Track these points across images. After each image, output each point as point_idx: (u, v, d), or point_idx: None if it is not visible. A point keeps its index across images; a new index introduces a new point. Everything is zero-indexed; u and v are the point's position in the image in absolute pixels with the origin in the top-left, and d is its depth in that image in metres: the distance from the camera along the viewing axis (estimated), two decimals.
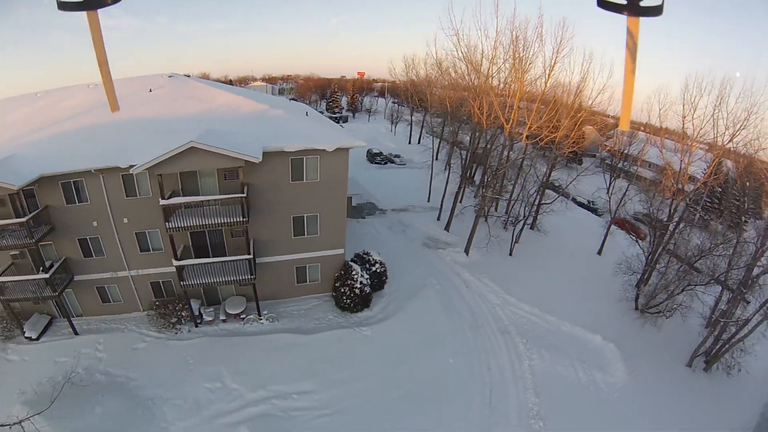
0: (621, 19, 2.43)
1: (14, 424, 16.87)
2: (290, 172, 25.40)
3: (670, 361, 28.29)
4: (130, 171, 22.12)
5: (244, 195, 23.26)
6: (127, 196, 24.83)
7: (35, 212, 23.77)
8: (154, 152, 22.10)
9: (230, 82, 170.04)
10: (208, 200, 23.29)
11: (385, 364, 24.45)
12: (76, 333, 26.72)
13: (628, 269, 33.53)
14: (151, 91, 31.09)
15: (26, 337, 26.23)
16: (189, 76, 40.90)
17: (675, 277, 31.27)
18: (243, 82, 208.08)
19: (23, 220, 22.79)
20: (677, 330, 30.52)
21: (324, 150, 24.99)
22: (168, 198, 23.08)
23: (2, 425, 17.16)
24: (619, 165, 52.25)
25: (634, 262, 33.87)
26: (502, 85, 36.72)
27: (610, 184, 47.91)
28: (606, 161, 61.59)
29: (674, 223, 34.73)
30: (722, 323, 27.66)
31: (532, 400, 23.29)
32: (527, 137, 35.77)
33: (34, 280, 24.66)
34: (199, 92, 30.68)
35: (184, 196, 24.24)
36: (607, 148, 64.21)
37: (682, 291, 30.53)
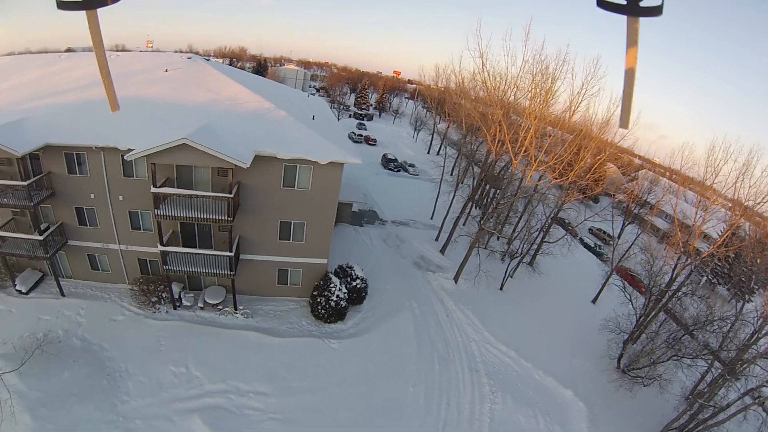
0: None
1: None
2: (282, 178, 25.67)
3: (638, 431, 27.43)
4: (126, 157, 22.62)
5: (231, 196, 23.52)
6: (124, 176, 25.51)
7: (37, 177, 24.78)
8: (151, 139, 22.61)
9: (265, 60, 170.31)
10: (199, 195, 23.66)
11: (345, 381, 24.50)
12: (62, 294, 27.76)
13: (616, 327, 32.28)
14: (167, 71, 31.64)
15: (17, 290, 27.46)
16: (209, 59, 41.27)
17: (663, 344, 30.24)
18: (278, 62, 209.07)
19: (24, 183, 23.75)
20: (652, 400, 29.46)
21: (317, 161, 25.20)
22: (160, 186, 23.56)
23: None
24: (635, 211, 51.09)
25: (624, 322, 32.69)
26: (520, 119, 36.22)
27: (622, 229, 47.00)
28: (623, 204, 59.21)
29: (672, 291, 33.33)
30: (699, 404, 26.26)
31: None
32: (540, 172, 35.17)
33: (29, 239, 25.61)
34: (211, 80, 30.96)
35: (178, 185, 24.83)
36: (626, 192, 60.49)
37: (668, 360, 29.42)
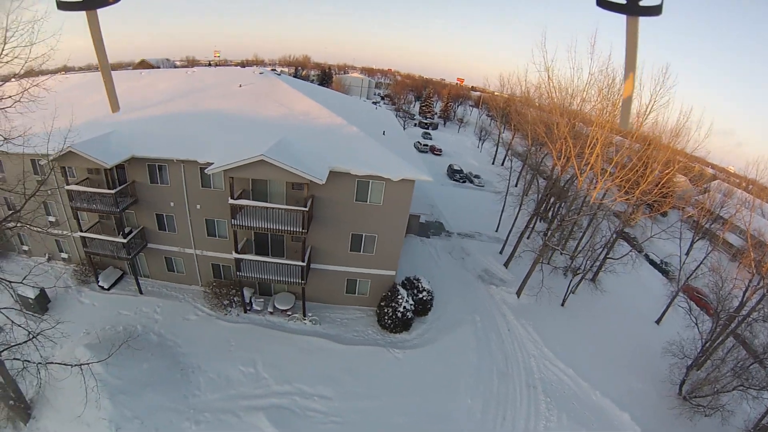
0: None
1: (76, 365, 19.28)
2: (355, 192, 26.58)
3: None
4: (206, 171, 24.26)
5: (306, 209, 24.70)
6: (202, 186, 27.38)
7: (123, 185, 27.22)
8: (229, 154, 24.30)
9: (329, 68, 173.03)
10: (274, 207, 24.99)
11: (405, 389, 25.30)
12: (141, 292, 30.26)
13: (680, 352, 30.86)
14: (240, 86, 33.48)
15: (99, 286, 30.34)
16: (279, 74, 42.89)
17: (729, 372, 28.76)
18: (341, 69, 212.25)
19: (112, 192, 26.21)
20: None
21: (389, 178, 25.98)
22: (237, 198, 25.12)
23: (68, 365, 19.36)
24: (707, 225, 48.76)
25: (688, 346, 31.03)
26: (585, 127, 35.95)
27: (691, 246, 45.12)
28: (692, 219, 55.41)
29: (742, 316, 31.47)
30: None
31: None
32: (604, 190, 34.76)
33: (114, 241, 28.17)
34: (283, 95, 32.43)
35: (253, 196, 26.38)
36: (696, 205, 56.51)
37: (733, 389, 28.00)
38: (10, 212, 19.42)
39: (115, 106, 3.14)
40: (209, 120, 28.96)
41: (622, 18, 2.36)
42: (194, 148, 26.34)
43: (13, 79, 19.62)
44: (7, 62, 18.16)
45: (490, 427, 24.48)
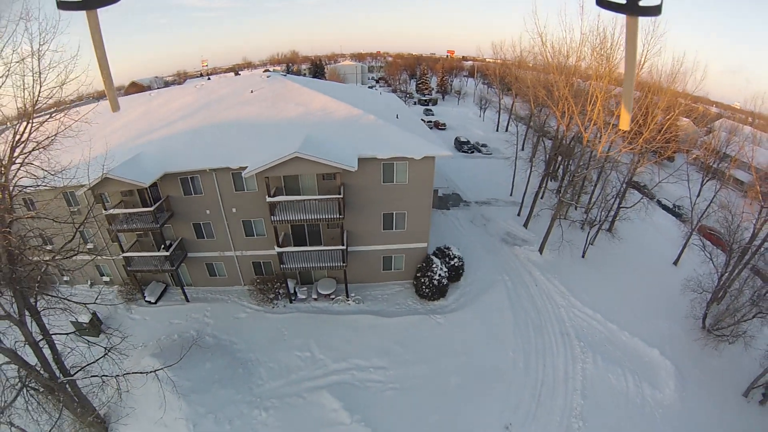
0: None
1: (150, 372, 21.05)
2: (382, 175, 28.33)
3: (725, 388, 28.00)
4: (243, 175, 25.98)
5: (341, 196, 26.66)
6: (236, 191, 29.10)
7: (159, 202, 28.80)
8: (261, 156, 26.16)
9: (319, 61, 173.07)
10: (309, 199, 26.94)
11: (451, 351, 27.43)
12: (187, 300, 32.14)
13: (698, 287, 32.14)
14: (252, 92, 34.93)
15: (146, 301, 32.10)
16: (285, 74, 44.29)
17: (748, 302, 30.11)
18: (332, 59, 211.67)
19: (151, 209, 27.88)
20: (739, 357, 29.79)
21: (412, 157, 27.68)
22: (273, 195, 26.98)
23: (143, 372, 20.98)
24: (714, 165, 49.45)
25: (706, 281, 32.36)
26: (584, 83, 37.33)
27: (701, 187, 45.82)
28: (699, 160, 56.26)
29: (755, 246, 32.70)
30: None
31: (578, 402, 25.09)
32: (609, 142, 36.19)
33: (157, 256, 29.96)
34: (296, 94, 33.93)
35: (286, 192, 28.14)
36: (702, 146, 56.90)
37: (753, 317, 29.34)
38: (67, 244, 20.17)
39: (114, 105, 3.09)
40: (231, 128, 30.54)
41: None
42: (224, 156, 27.94)
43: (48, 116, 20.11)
44: (43, 104, 18.95)
45: (533, 375, 26.61)
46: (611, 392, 26.17)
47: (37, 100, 18.41)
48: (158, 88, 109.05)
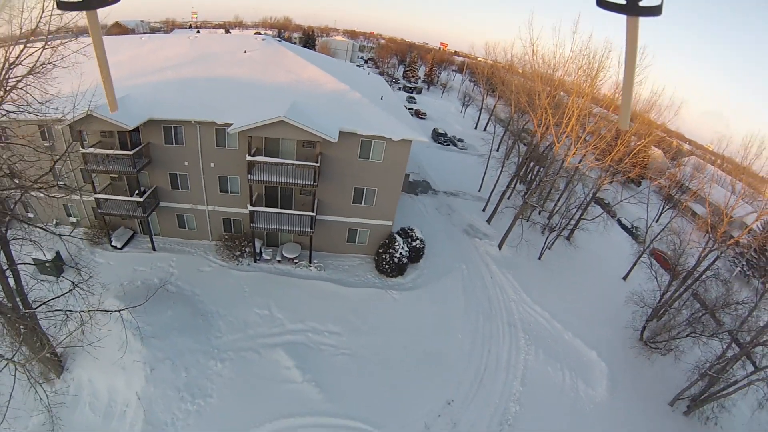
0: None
1: (115, 311, 20.70)
2: (359, 150, 29.28)
3: (653, 395, 29.86)
4: (228, 131, 26.64)
5: (318, 164, 27.51)
6: (217, 146, 29.56)
7: (140, 147, 28.76)
8: (247, 115, 26.72)
9: (312, 32, 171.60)
10: (287, 163, 27.64)
11: (403, 326, 28.67)
12: (154, 249, 32.31)
13: (641, 301, 34.36)
14: (245, 52, 35.26)
15: (112, 246, 31.82)
16: (280, 40, 44.63)
17: (685, 321, 32.13)
18: (325, 32, 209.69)
19: (131, 153, 27.84)
20: (669, 369, 31.97)
21: (390, 138, 28.66)
22: (253, 155, 27.56)
23: (108, 311, 20.51)
24: (675, 195, 51.89)
25: (648, 296, 34.52)
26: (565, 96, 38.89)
27: (659, 213, 48.11)
28: (663, 189, 60.22)
29: (698, 272, 35.24)
30: (710, 377, 28.23)
31: (517, 388, 26.62)
32: (581, 155, 37.86)
33: (130, 201, 29.81)
34: (289, 62, 34.51)
35: (266, 154, 28.70)
36: (668, 176, 61.15)
37: (687, 336, 31.29)
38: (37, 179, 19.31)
39: (113, 106, 3.05)
40: (222, 85, 30.85)
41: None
42: (211, 111, 28.27)
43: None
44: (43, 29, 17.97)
45: (477, 359, 28.01)
46: (548, 383, 27.80)
47: (38, 24, 17.70)
48: (144, 32, 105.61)
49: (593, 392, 28.23)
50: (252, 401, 22.57)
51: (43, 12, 17.72)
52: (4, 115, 19.15)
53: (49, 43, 19.02)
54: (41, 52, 18.69)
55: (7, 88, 18.50)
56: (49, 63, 19.11)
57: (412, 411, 23.64)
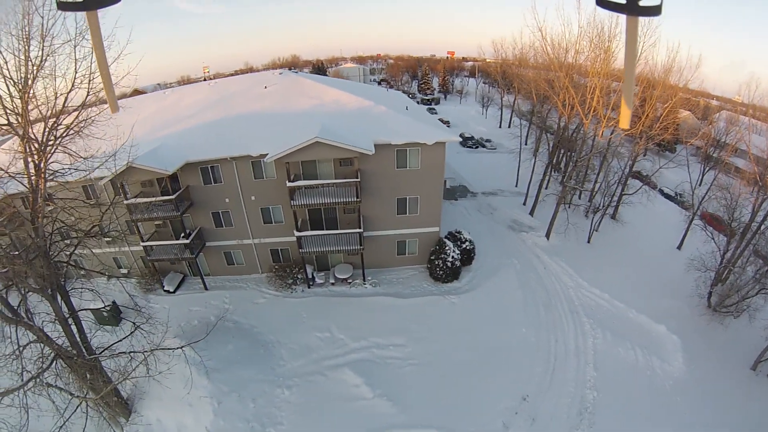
0: None
1: (177, 347, 21.59)
2: (395, 160, 29.38)
3: (733, 361, 28.50)
4: (264, 160, 27.18)
5: (358, 180, 27.75)
6: (255, 178, 30.12)
7: (180, 191, 29.59)
8: (278, 143, 27.11)
9: (321, 64, 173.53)
10: (327, 183, 28.03)
11: (466, 327, 28.49)
12: (206, 288, 32.96)
13: (702, 266, 32.83)
14: (266, 87, 35.98)
15: (165, 290, 32.89)
16: (297, 72, 45.41)
17: (752, 279, 30.76)
18: (333, 62, 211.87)
19: (172, 197, 28.72)
20: (745, 331, 30.46)
21: (425, 143, 28.67)
22: (292, 181, 27.91)
23: (170, 348, 21.33)
24: (713, 154, 50.45)
25: (708, 259, 33.07)
26: (584, 79, 38.33)
27: (702, 175, 46.74)
28: (700, 149, 57.96)
29: (757, 224, 33.29)
30: None
31: (591, 374, 26.00)
32: (611, 127, 37.28)
33: (177, 245, 30.76)
34: (308, 89, 35.08)
35: (304, 179, 29.03)
36: (702, 136, 57.90)
37: (757, 294, 29.94)
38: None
39: (114, 107, 3.11)
40: (249, 120, 31.60)
41: None
42: (244, 146, 28.92)
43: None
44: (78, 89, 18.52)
45: (545, 350, 27.57)
46: (622, 365, 27.02)
47: (72, 86, 18.37)
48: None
49: (670, 367, 27.31)
50: (324, 423, 22.66)
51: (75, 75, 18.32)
52: (51, 175, 19.55)
53: (84, 105, 19.53)
54: (79, 112, 19.42)
55: (53, 150, 19.01)
56: (89, 119, 19.66)
57: (487, 411, 23.35)
